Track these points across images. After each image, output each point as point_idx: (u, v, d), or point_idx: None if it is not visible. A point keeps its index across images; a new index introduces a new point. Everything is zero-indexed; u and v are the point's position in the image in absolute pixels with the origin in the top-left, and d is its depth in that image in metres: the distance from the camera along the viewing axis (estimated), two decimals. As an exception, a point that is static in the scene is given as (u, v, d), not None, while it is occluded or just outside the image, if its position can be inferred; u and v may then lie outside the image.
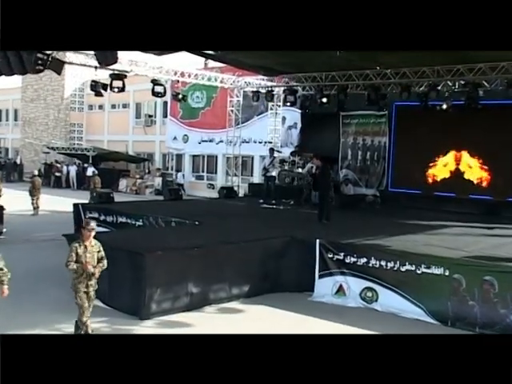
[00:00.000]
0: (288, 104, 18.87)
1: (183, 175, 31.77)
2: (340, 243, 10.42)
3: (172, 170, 33.00)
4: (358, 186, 19.89)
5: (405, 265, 9.57)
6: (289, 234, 11.21)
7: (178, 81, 18.21)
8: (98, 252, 7.22)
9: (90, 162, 31.82)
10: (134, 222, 13.53)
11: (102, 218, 14.49)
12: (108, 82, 16.20)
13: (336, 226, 12.75)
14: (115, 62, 11.11)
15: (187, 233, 11.17)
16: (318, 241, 10.54)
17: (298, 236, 10.99)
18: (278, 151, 19.17)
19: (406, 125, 18.64)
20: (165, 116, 33.08)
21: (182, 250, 9.20)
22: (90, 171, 29.03)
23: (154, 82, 17.07)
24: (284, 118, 24.68)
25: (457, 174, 17.42)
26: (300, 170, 19.54)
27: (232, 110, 21.69)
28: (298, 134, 22.30)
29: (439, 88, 16.36)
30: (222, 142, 29.40)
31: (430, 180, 18.14)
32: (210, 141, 30.19)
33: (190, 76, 18.71)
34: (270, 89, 19.63)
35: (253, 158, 28.72)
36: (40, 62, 12.17)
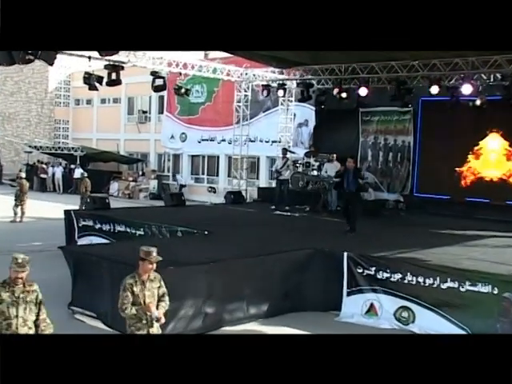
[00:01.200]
0: (302, 99, 18.62)
1: (181, 177, 31.59)
2: (371, 256, 10.21)
3: (169, 171, 32.87)
4: (379, 191, 19.73)
5: (446, 282, 9.34)
6: (311, 245, 11.00)
7: (181, 73, 17.95)
8: (159, 288, 6.25)
9: (78, 162, 31.59)
10: (134, 231, 13.37)
11: (98, 226, 14.32)
12: (103, 74, 16.00)
13: (361, 236, 12.56)
14: (117, 51, 10.82)
15: (197, 244, 10.96)
16: (345, 254, 10.34)
17: (323, 248, 10.76)
18: (291, 152, 18.92)
19: (433, 123, 18.49)
20: (160, 112, 32.92)
21: (195, 264, 8.95)
22: (78, 173, 28.81)
23: (154, 75, 16.85)
24: (293, 115, 24.54)
25: (492, 179, 17.18)
26: (315, 172, 19.29)
27: (239, 106, 21.40)
28: (312, 133, 22.19)
29: (472, 81, 16.13)
30: (224, 141, 29.37)
31: (461, 184, 17.90)
32: (211, 140, 30.02)
33: (193, 67, 18.49)
34: (281, 82, 19.40)
35: (258, 158, 28.49)
36: (30, 51, 11.93)
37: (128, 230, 13.52)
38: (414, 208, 18.48)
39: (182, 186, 30.47)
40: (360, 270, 10.23)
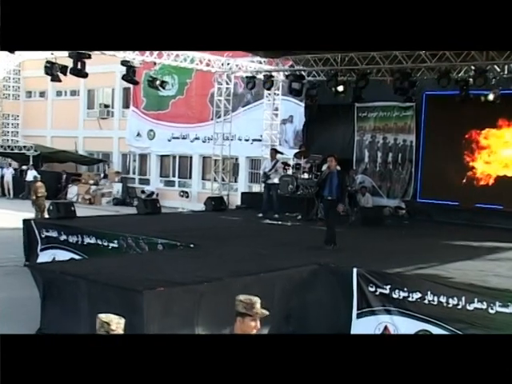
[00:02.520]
0: (293, 93, 18.41)
1: (148, 181, 31.28)
2: (385, 273, 9.99)
3: (134, 173, 32.56)
4: (377, 196, 19.69)
5: (473, 302, 9.13)
6: (313, 260, 10.78)
7: (155, 63, 17.63)
8: None
9: (31, 163, 31.02)
10: (106, 244, 13.13)
11: (63, 237, 14.02)
12: (66, 64, 15.64)
13: (366, 249, 12.42)
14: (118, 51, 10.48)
15: (184, 260, 10.69)
16: (355, 270, 10.10)
17: (328, 263, 10.54)
18: (280, 152, 18.74)
19: (439, 119, 18.52)
20: (125, 106, 32.61)
21: (188, 284, 8.66)
22: (31, 175, 28.14)
23: (126, 65, 16.50)
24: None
25: (505, 182, 17.21)
26: (306, 175, 19.11)
27: (220, 100, 21.12)
28: (302, 131, 22.03)
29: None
30: (197, 139, 29.26)
31: (470, 188, 17.90)
32: (183, 138, 29.88)
33: (168, 56, 18.16)
34: (269, 74, 19.17)
35: (237, 159, 28.23)
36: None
37: (99, 242, 13.25)
38: (417, 215, 18.50)
39: (151, 193, 30.14)
40: (372, 289, 10.00)
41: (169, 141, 30.34)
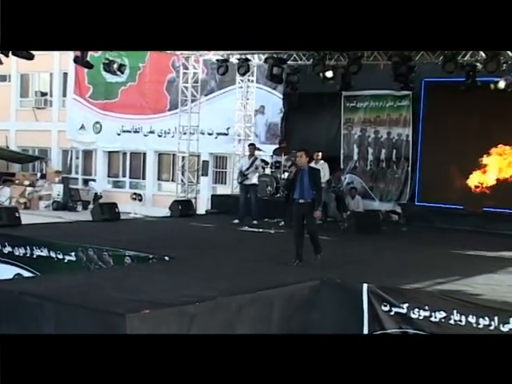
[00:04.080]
0: (273, 79, 18.20)
1: (94, 180, 30.85)
2: (401, 289, 9.83)
3: (77, 173, 32.23)
4: (368, 199, 19.66)
5: (508, 323, 9.00)
6: (312, 274, 10.66)
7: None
8: None
9: (-47, 161, 30.42)
10: (61, 257, 12.90)
11: (7, 249, 13.60)
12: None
13: (370, 261, 12.38)
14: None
15: (163, 275, 10.34)
16: (365, 286, 9.91)
17: (332, 278, 10.39)
18: (258, 149, 18.54)
19: (440, 110, 18.54)
20: (66, 95, 32.27)
21: (177, 305, 8.35)
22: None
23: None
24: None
25: (516, 182, 17.28)
26: (287, 174, 18.93)
27: (186, 88, 20.81)
28: (280, 123, 21.98)
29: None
30: (152, 132, 29.11)
31: (476, 190, 17.87)
32: (135, 131, 29.74)
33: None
34: (244, 57, 18.91)
35: (199, 156, 27.97)
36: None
37: (53, 254, 13.00)
38: (415, 221, 18.48)
39: (96, 196, 29.75)
40: (386, 308, 9.80)
41: (118, 135, 30.17)
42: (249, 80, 21.30)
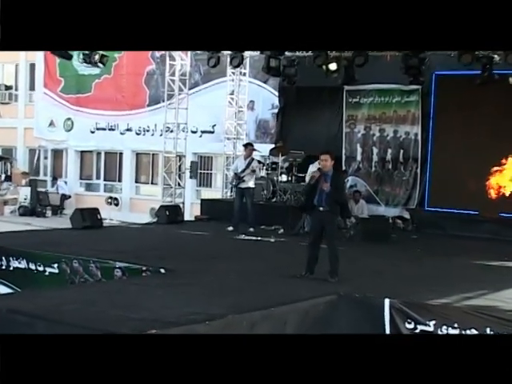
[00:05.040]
0: (270, 72, 18.08)
1: (65, 182, 30.64)
2: (427, 305, 9.75)
3: (46, 174, 32.11)
4: (373, 203, 19.59)
5: (549, 342, 8.95)
6: (328, 288, 10.61)
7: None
8: None
9: None
10: (42, 269, 12.89)
11: (-20, 261, 13.46)
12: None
13: (386, 273, 12.37)
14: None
15: (162, 290, 10.21)
16: (387, 301, 9.86)
17: (350, 293, 10.36)
18: (254, 149, 18.40)
19: (452, 106, 18.56)
20: (33, 88, 32.13)
21: (184, 324, 8.23)
22: None
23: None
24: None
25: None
26: (284, 177, 19.03)
27: (173, 81, 20.72)
28: (276, 120, 22.08)
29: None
30: (130, 130, 29.02)
31: (493, 194, 17.85)
32: (111, 129, 29.71)
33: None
34: (238, 47, 18.77)
35: (181, 157, 27.85)
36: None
37: (32, 266, 12.99)
38: (425, 227, 18.47)
39: (64, 197, 29.55)
40: (410, 326, 9.73)
41: (92, 132, 30.15)
42: (241, 73, 21.20)
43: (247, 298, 9.91)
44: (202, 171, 28.04)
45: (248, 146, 17.80)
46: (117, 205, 28.82)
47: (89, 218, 16.78)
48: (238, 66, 19.29)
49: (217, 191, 26.26)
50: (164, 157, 21.88)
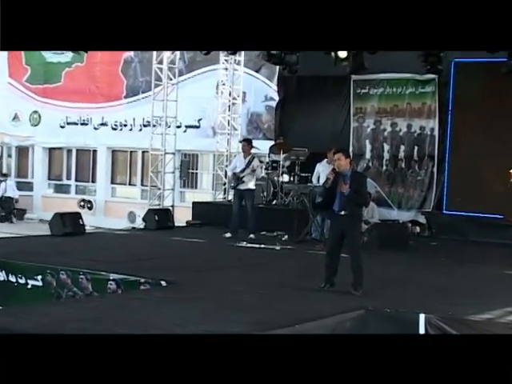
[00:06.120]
0: (271, 60, 17.92)
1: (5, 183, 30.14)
2: (470, 321, 9.72)
3: (10, 174, 31.63)
4: (384, 206, 19.51)
5: None
6: (354, 302, 10.58)
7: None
8: None
9: None
10: (23, 282, 12.97)
11: None
12: None
13: (413, 285, 12.32)
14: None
15: (169, 305, 10.22)
16: (422, 317, 9.87)
17: (379, 308, 10.35)
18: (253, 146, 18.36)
19: (473, 98, 18.44)
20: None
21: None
22: None
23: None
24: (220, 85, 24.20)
25: None
26: (286, 177, 19.05)
27: (160, 69, 20.68)
28: (275, 114, 22.08)
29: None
30: (105, 125, 28.98)
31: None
32: (83, 123, 29.64)
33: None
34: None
35: (164, 154, 27.81)
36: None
37: (12, 279, 13.08)
38: (443, 233, 18.52)
39: (6, 199, 29.10)
40: (449, 344, 9.68)
41: (61, 127, 30.09)
42: (235, 61, 21.13)
43: (266, 313, 9.85)
44: (187, 170, 27.95)
45: (245, 142, 17.68)
46: (90, 208, 28.69)
47: (70, 223, 16.76)
48: (234, 52, 19.27)
49: (203, 193, 26.27)
50: (151, 155, 21.75)
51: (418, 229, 19.13)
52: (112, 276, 12.09)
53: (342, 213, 11.26)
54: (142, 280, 11.89)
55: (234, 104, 21.80)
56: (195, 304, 10.32)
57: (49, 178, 31.18)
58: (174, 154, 22.26)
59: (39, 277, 12.66)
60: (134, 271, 12.32)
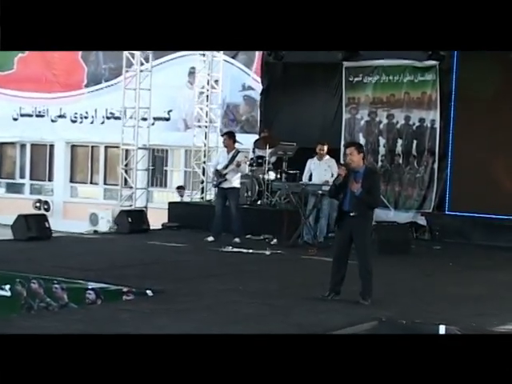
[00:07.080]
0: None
1: None
2: (497, 334, 9.66)
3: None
4: (380, 206, 19.30)
5: None
6: (365, 313, 10.68)
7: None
8: None
9: None
10: None
11: None
12: None
13: (425, 294, 12.42)
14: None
15: (163, 316, 10.24)
16: (442, 328, 10.12)
17: (394, 319, 10.47)
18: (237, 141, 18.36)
19: (479, 87, 18.43)
20: None
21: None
22: None
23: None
24: (193, 72, 24.23)
25: None
26: (272, 174, 19.08)
27: (132, 55, 20.62)
28: (260, 104, 22.12)
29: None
30: (63, 117, 28.97)
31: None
32: (39, 115, 29.68)
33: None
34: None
35: (127, 151, 27.58)
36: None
37: None
38: (446, 236, 18.60)
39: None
40: (474, 359, 9.69)
41: (14, 120, 30.10)
42: (213, 49, 21.19)
43: (270, 327, 9.81)
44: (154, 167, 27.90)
45: (227, 136, 17.60)
46: (47, 210, 28.44)
47: (35, 226, 16.73)
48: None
49: (173, 192, 26.12)
50: (122, 150, 21.61)
51: (416, 231, 19.15)
52: (90, 285, 12.14)
53: (352, 214, 11.24)
54: (125, 289, 11.93)
55: (212, 93, 21.64)
56: (190, 316, 10.36)
57: (0, 177, 31.03)
58: (148, 149, 21.97)
59: (7, 286, 12.72)
60: (113, 279, 12.36)
